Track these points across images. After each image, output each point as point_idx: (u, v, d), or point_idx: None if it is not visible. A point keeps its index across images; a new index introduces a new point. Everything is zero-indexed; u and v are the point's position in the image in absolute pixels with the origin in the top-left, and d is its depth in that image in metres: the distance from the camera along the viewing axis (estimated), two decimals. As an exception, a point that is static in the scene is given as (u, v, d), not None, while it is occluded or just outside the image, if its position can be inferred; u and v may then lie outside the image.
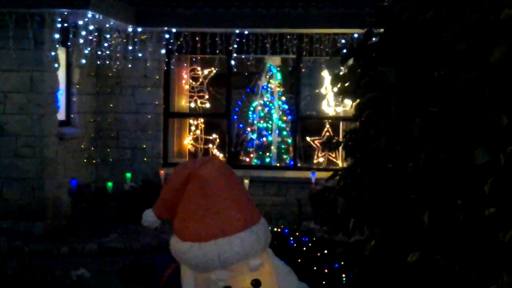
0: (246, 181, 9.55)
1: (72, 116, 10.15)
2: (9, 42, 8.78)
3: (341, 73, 3.36)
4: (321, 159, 11.16)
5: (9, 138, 8.99)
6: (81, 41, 9.98)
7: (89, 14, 8.74)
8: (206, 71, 11.42)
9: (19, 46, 8.86)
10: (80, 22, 9.68)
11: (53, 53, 8.97)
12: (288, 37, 10.33)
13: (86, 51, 10.15)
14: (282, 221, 9.72)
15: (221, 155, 11.41)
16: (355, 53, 3.24)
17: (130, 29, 10.28)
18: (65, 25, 9.20)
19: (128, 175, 10.14)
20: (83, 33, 9.96)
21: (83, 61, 10.24)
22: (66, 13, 8.73)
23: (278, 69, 11.37)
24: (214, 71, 11.37)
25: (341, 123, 11.34)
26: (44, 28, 8.86)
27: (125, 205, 9.58)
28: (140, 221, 10.15)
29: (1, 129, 8.94)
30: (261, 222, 2.84)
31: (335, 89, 3.41)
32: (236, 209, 2.71)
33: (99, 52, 10.17)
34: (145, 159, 10.92)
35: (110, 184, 9.29)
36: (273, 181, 10.56)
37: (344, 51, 3.35)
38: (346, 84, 3.27)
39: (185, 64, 11.53)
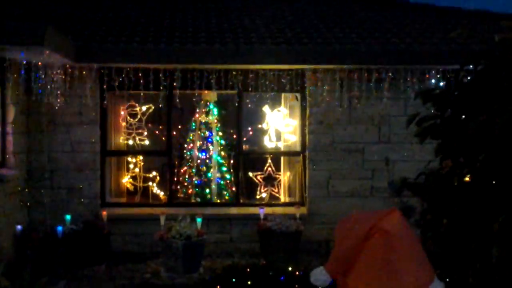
0: (199, 220, 9.38)
1: (7, 156, 9.58)
2: None
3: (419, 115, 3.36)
4: (263, 195, 11.16)
5: None
6: (17, 77, 9.55)
7: (42, 51, 8.30)
8: (144, 108, 11.19)
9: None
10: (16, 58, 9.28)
11: (11, 91, 8.49)
12: (234, 72, 10.32)
13: (21, 88, 9.72)
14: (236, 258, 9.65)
15: (161, 193, 11.16)
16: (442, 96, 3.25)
17: (67, 65, 9.90)
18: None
19: (68, 217, 9.65)
20: (19, 69, 9.54)
21: (20, 98, 9.80)
22: (21, 51, 8.27)
23: (215, 104, 11.33)
24: (153, 108, 11.17)
25: (282, 158, 11.43)
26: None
27: (68, 249, 9.11)
28: (87, 265, 9.74)
29: None
30: (436, 277, 2.76)
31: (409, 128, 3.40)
32: (420, 265, 2.63)
33: (34, 89, 9.71)
34: (82, 199, 10.44)
35: (60, 227, 8.80)
36: (216, 218, 10.40)
37: (437, 91, 3.35)
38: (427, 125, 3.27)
39: (123, 101, 11.23)
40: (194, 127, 11.30)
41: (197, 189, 11.17)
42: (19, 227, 8.70)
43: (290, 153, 11.22)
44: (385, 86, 10.34)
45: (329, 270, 2.97)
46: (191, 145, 11.24)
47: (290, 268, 5.57)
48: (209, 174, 11.17)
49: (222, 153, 11.25)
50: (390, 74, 10.28)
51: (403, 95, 10.44)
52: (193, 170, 11.16)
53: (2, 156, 9.44)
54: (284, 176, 11.32)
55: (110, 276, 9.03)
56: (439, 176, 3.27)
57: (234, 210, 10.70)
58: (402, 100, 10.52)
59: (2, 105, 9.49)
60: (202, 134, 11.26)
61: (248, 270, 5.58)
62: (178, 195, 11.16)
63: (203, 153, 11.24)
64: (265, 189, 11.18)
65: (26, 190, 10.19)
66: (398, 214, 2.82)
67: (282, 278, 5.35)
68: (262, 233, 9.85)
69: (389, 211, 2.97)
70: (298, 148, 10.91)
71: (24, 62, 9.50)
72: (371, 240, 2.67)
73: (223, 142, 11.30)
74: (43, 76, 9.52)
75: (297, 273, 5.52)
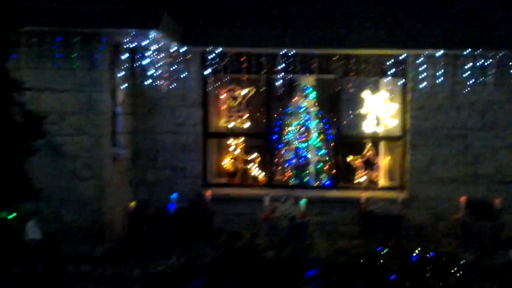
0: (303, 201, 9.53)
1: (118, 136, 9.97)
2: (66, 62, 8.66)
3: None
4: (362, 179, 11.19)
5: (66, 159, 8.80)
6: (125, 60, 9.91)
7: (153, 34, 8.62)
8: (245, 91, 11.38)
9: (77, 67, 8.72)
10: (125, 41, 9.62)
11: (120, 74, 8.85)
12: (336, 57, 10.39)
13: (128, 71, 10.10)
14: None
15: (261, 175, 11.36)
16: None
17: (172, 49, 10.17)
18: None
19: (174, 195, 9.95)
20: (127, 52, 9.91)
21: (127, 80, 10.17)
22: (133, 33, 8.61)
23: (313, 88, 11.39)
24: (253, 91, 11.35)
25: (381, 142, 11.41)
26: (105, 48, 8.74)
27: (178, 226, 9.42)
28: (192, 242, 9.94)
29: (58, 150, 8.73)
30: None
31: None
32: None
33: (140, 72, 10.07)
34: (185, 179, 10.78)
35: (172, 205, 9.13)
36: (316, 200, 10.49)
37: None
38: None
39: (224, 84, 11.44)
40: (292, 111, 11.42)
41: (294, 172, 11.31)
42: (132, 204, 9.09)
43: (390, 138, 11.19)
44: (490, 72, 10.20)
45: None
46: (290, 128, 11.37)
47: (418, 249, 5.65)
48: (307, 157, 11.28)
49: (320, 136, 11.32)
50: (495, 59, 10.12)
51: (508, 81, 10.26)
52: (291, 153, 11.30)
53: (114, 136, 9.82)
54: (384, 161, 11.31)
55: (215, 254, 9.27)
56: None
57: (333, 193, 10.81)
58: (507, 87, 10.34)
59: (113, 87, 9.85)
60: (301, 118, 11.37)
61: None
62: (277, 177, 11.32)
63: (301, 137, 11.35)
64: (364, 173, 11.21)
65: (133, 169, 10.58)
66: None
67: (414, 258, 5.44)
68: (363, 216, 9.93)
69: None
70: (398, 132, 10.90)
71: (132, 46, 9.87)
72: None
73: (321, 125, 11.36)
74: (150, 60, 9.83)
75: (427, 255, 5.59)
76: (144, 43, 9.53)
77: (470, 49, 9.97)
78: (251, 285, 4.35)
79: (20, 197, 5.12)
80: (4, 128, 4.96)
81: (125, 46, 9.82)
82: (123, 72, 9.97)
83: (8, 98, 5.13)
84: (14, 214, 5.08)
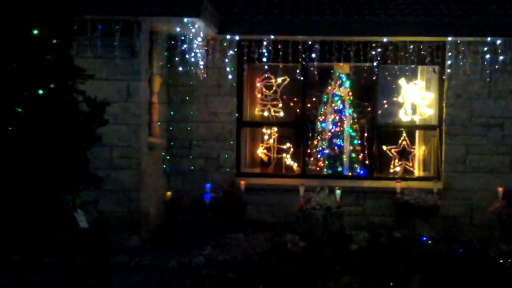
0: (338, 192, 9.49)
1: (153, 125, 9.97)
2: (105, 51, 8.66)
3: None
4: (397, 168, 11.10)
5: (104, 148, 8.78)
6: (161, 49, 9.91)
7: (192, 23, 8.60)
8: (279, 80, 11.30)
9: (116, 55, 8.72)
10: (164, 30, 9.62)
11: (156, 63, 8.86)
12: (373, 44, 10.30)
13: (164, 59, 10.10)
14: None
15: (295, 165, 11.31)
16: None
17: (208, 37, 10.13)
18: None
19: (208, 185, 9.95)
20: (163, 41, 9.91)
21: (164, 69, 10.16)
22: (173, 22, 8.61)
23: (347, 76, 11.29)
24: (288, 80, 11.27)
25: (417, 132, 11.30)
26: (144, 37, 8.75)
27: (214, 216, 9.41)
28: (227, 232, 9.99)
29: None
30: None
31: None
32: None
33: (176, 61, 10.07)
34: (219, 169, 10.77)
35: (208, 195, 9.13)
36: (350, 190, 10.42)
37: None
38: None
39: (259, 73, 11.38)
40: (326, 100, 11.34)
41: (328, 162, 11.24)
42: (168, 194, 9.12)
43: (426, 127, 11.07)
44: (529, 59, 10.05)
45: None
46: (323, 117, 11.29)
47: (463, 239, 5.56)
48: (341, 147, 11.19)
49: (354, 126, 11.23)
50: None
51: (548, 69, 10.11)
52: (325, 143, 11.22)
53: (149, 125, 9.81)
54: (419, 150, 11.20)
55: (250, 244, 9.26)
56: None
57: (367, 183, 10.73)
58: (546, 75, 10.19)
59: (150, 76, 9.84)
60: (335, 107, 11.28)
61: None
62: (310, 167, 11.25)
63: (335, 126, 11.27)
64: (399, 163, 11.11)
65: (168, 158, 10.59)
66: None
67: (460, 250, 5.37)
68: (399, 206, 9.86)
69: None
70: (434, 122, 10.79)
71: (168, 34, 9.86)
72: None
73: (355, 115, 11.26)
74: (186, 48, 9.80)
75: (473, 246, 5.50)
76: (181, 31, 9.50)
77: (507, 36, 9.84)
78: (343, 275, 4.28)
79: (83, 185, 5.12)
80: (70, 116, 4.96)
81: (161, 35, 9.84)
82: (160, 61, 9.98)
83: (71, 85, 5.12)
84: (75, 202, 5.09)
